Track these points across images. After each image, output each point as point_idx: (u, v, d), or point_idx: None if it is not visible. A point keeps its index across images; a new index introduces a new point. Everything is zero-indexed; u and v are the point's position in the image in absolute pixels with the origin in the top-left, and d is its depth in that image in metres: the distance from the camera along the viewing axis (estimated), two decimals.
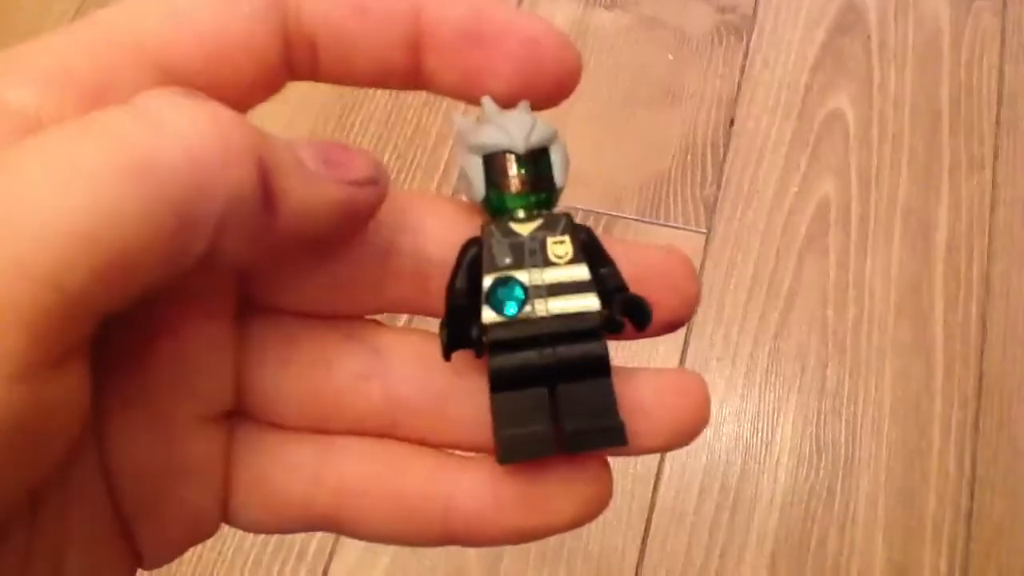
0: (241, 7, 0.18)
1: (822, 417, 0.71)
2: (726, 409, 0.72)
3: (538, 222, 0.20)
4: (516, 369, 0.19)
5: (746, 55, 0.85)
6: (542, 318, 0.19)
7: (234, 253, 0.16)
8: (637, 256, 0.20)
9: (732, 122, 0.82)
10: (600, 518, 0.20)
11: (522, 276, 0.19)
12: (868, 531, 0.67)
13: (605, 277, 0.20)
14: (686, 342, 0.74)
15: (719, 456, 0.70)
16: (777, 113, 0.83)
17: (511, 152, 0.20)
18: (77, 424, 0.16)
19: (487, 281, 0.19)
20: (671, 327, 0.21)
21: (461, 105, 0.20)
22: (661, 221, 0.78)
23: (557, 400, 0.19)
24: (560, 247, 0.19)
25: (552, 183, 0.20)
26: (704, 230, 0.78)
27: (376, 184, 0.18)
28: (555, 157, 0.20)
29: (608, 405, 0.19)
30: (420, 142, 0.83)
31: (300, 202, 0.17)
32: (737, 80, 0.84)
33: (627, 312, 0.19)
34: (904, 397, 0.72)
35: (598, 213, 0.79)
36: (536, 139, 0.20)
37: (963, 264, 0.76)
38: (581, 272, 0.19)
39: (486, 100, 0.20)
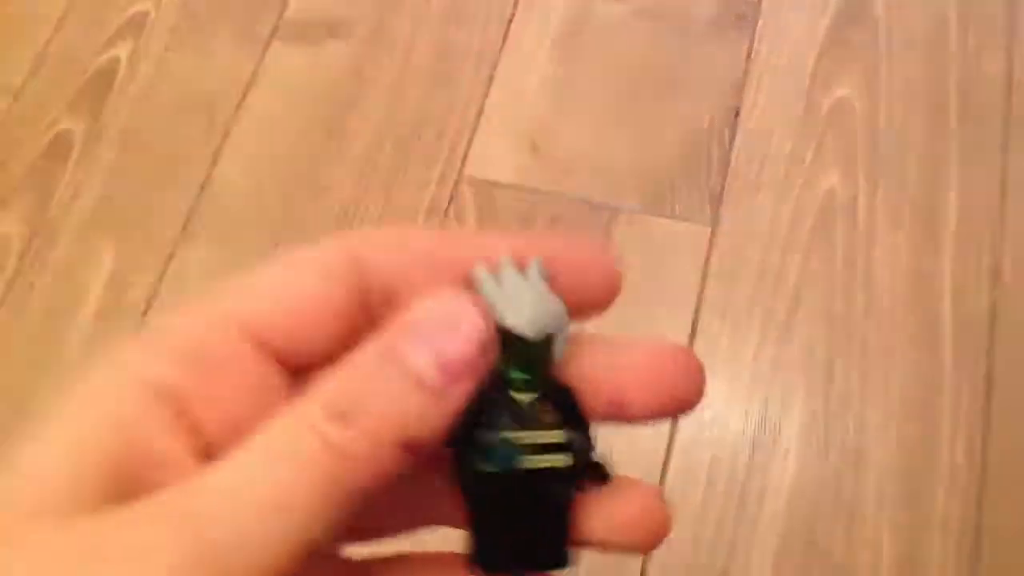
0: (316, 272, 0.20)
1: (830, 410, 0.71)
2: (733, 404, 0.71)
3: (535, 394, 0.22)
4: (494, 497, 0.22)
5: (752, 43, 0.84)
6: (525, 470, 0.22)
7: None
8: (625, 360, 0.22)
9: (738, 112, 0.81)
10: None
11: (514, 437, 0.22)
12: (875, 525, 0.67)
13: (578, 440, 0.23)
14: (693, 334, 0.73)
15: (726, 450, 0.69)
16: (783, 102, 0.82)
17: (522, 337, 0.21)
18: None
19: (483, 436, 0.22)
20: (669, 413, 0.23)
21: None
22: (666, 214, 0.77)
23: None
24: (549, 416, 0.22)
25: (551, 360, 0.22)
26: (709, 222, 0.77)
27: (485, 352, 0.20)
28: (559, 340, 0.22)
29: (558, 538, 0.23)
30: (423, 132, 0.82)
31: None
32: (743, 68, 0.83)
33: (590, 474, 0.23)
34: (913, 390, 0.71)
35: (601, 206, 0.78)
36: (546, 327, 0.22)
37: (972, 254, 0.75)
38: (560, 437, 0.22)
39: (504, 259, 0.21)
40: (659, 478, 0.68)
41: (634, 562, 0.66)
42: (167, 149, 0.84)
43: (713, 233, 0.76)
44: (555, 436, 0.22)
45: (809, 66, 0.83)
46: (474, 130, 0.82)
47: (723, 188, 0.78)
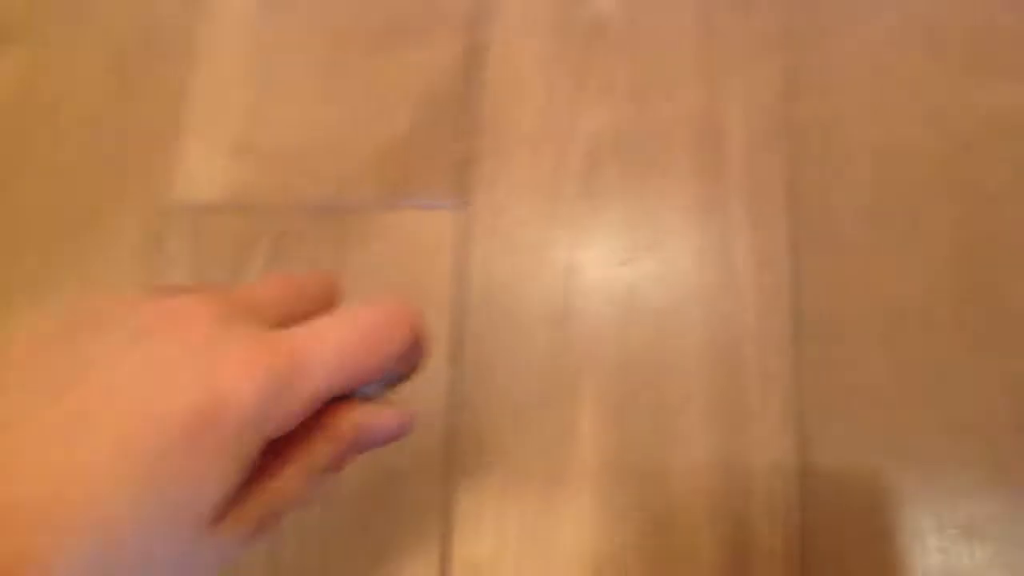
0: None
1: (626, 400, 0.58)
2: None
3: None
4: None
5: None
6: None
7: None
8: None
9: (481, 50, 0.66)
10: None
11: None
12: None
13: None
14: (462, 340, 0.60)
15: None
16: (532, 31, 0.66)
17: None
18: None
19: None
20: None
21: None
22: (406, 203, 0.63)
23: None
24: None
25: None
26: (461, 202, 0.63)
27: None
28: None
29: None
30: (113, 162, 0.68)
31: None
32: None
33: None
34: (715, 343, 0.58)
35: (330, 210, 0.64)
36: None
37: (763, 177, 0.61)
38: None
39: None
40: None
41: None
42: None
43: (468, 214, 0.62)
44: None
45: None
46: (172, 147, 0.67)
47: (474, 154, 0.64)
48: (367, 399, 0.30)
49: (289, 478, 0.27)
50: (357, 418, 0.29)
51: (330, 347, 0.27)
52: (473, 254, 0.62)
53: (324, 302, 0.31)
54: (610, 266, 0.61)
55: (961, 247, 0.59)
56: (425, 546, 0.56)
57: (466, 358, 0.59)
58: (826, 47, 0.64)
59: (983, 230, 0.59)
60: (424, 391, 0.58)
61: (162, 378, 0.23)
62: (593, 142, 0.63)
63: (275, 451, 0.27)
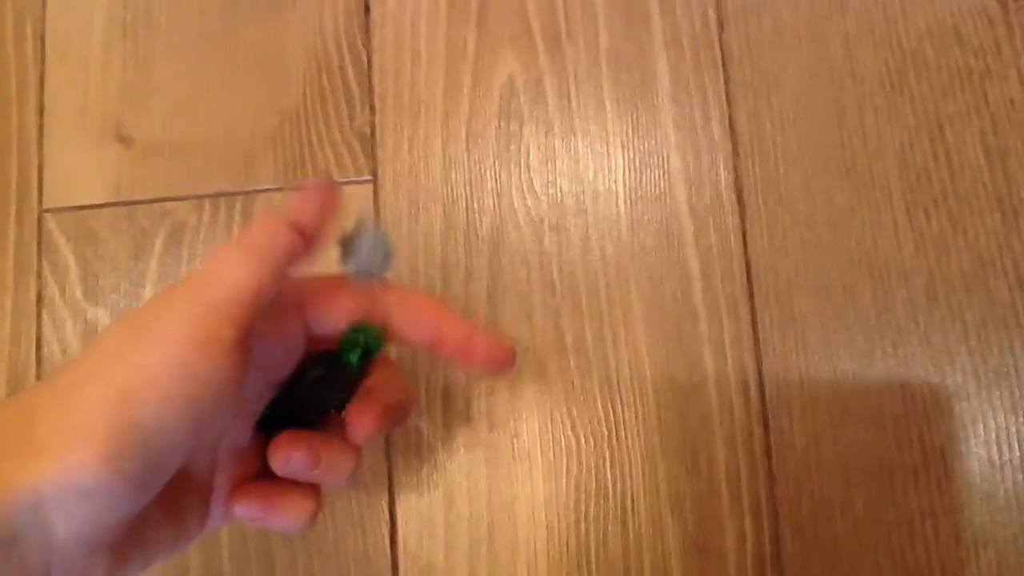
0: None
1: (576, 395, 0.57)
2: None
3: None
4: None
5: None
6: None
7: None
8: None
9: (367, 8, 0.61)
10: None
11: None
12: (652, 514, 0.54)
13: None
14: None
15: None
16: None
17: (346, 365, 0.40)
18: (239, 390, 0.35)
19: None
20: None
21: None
22: (310, 179, 0.59)
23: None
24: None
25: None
26: (368, 175, 0.59)
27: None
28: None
29: None
30: None
31: None
32: None
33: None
34: (661, 317, 0.57)
35: (228, 194, 0.59)
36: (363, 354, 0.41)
37: (698, 118, 0.59)
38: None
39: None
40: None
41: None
42: None
43: (376, 188, 0.59)
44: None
45: None
46: (39, 138, 0.61)
47: (374, 124, 0.60)
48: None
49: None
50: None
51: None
52: (385, 221, 0.58)
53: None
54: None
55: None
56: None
57: None
58: None
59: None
60: None
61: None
62: (508, 93, 0.59)
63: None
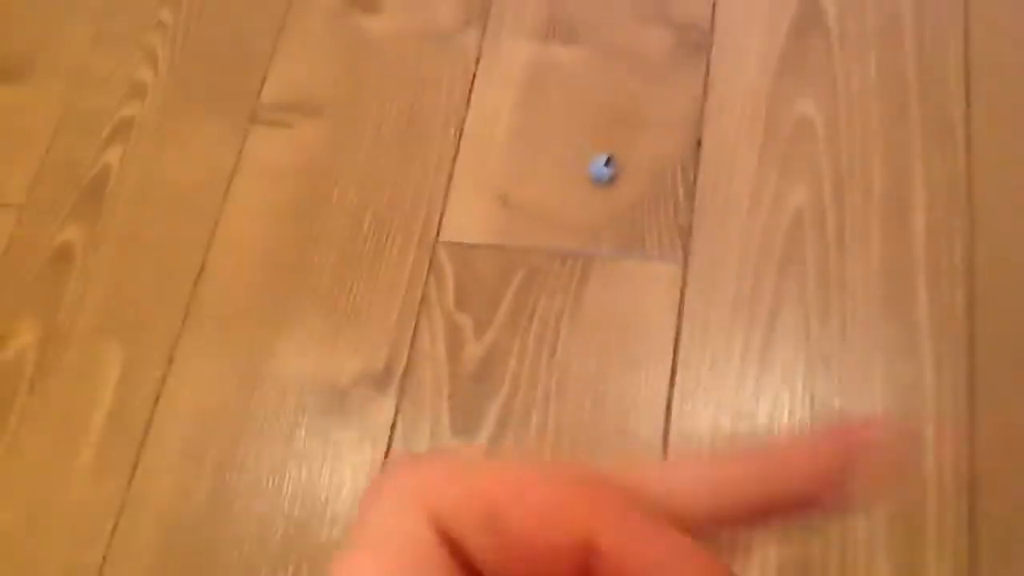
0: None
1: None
2: (717, 440, 0.72)
3: None
4: None
5: (707, 71, 0.86)
6: None
7: None
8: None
9: (700, 143, 0.83)
10: None
11: None
12: (868, 548, 0.68)
13: None
14: (673, 371, 0.75)
15: None
16: (744, 126, 0.83)
17: None
18: None
19: None
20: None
21: None
22: (638, 255, 0.79)
23: None
24: None
25: None
26: (681, 259, 0.79)
27: None
28: None
29: None
30: (398, 204, 0.85)
31: None
32: (701, 98, 0.85)
33: None
34: (896, 401, 0.72)
35: (575, 254, 0.80)
36: None
37: (944, 249, 0.76)
38: None
39: None
40: None
41: None
42: (162, 245, 0.88)
43: (685, 268, 0.78)
44: None
45: (767, 86, 0.84)
46: (446, 194, 0.84)
47: (691, 222, 0.80)
48: None
49: None
50: None
51: None
52: (687, 298, 0.77)
53: None
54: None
55: None
56: None
57: None
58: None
59: None
60: None
61: None
62: (795, 219, 0.79)
63: None
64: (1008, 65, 0.82)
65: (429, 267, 0.82)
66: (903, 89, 0.82)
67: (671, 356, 0.75)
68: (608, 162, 0.81)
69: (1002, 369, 0.72)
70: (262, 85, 0.93)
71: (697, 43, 0.87)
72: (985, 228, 0.76)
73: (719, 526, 0.21)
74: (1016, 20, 0.84)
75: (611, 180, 0.79)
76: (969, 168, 0.78)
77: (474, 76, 0.89)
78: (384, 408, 0.77)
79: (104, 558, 0.75)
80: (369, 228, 0.84)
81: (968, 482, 0.68)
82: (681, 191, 0.81)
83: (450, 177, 0.85)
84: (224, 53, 0.96)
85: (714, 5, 0.88)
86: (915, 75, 0.83)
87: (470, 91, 0.89)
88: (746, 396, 0.74)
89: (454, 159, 0.86)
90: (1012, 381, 0.72)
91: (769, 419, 0.73)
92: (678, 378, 0.75)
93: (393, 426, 0.77)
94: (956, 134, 0.80)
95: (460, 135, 0.87)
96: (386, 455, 0.76)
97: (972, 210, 0.77)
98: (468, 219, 0.83)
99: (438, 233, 0.83)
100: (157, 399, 0.81)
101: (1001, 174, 0.78)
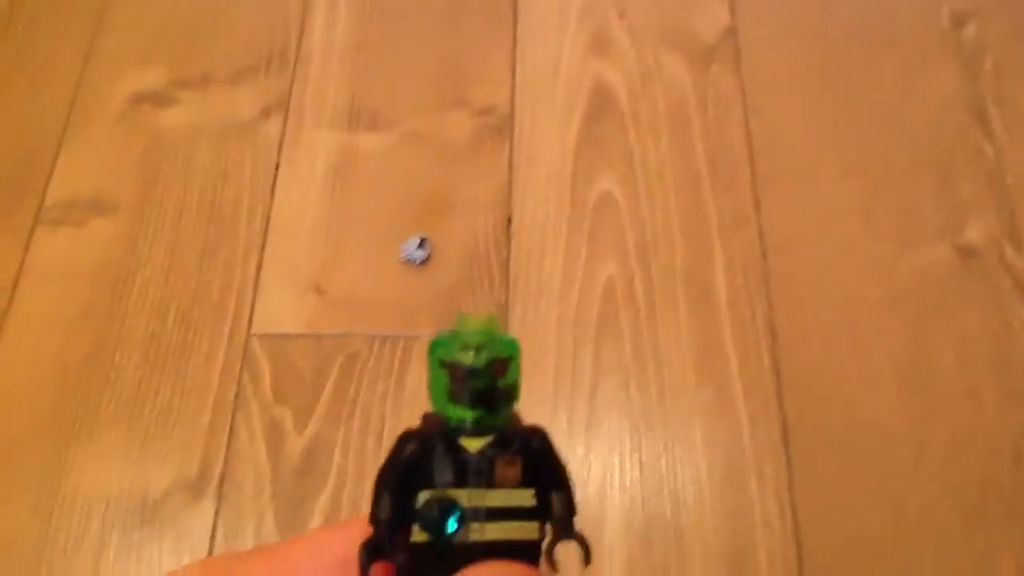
0: None
1: (646, 495, 0.73)
2: None
3: (489, 439, 0.18)
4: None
5: (511, 152, 0.88)
6: (475, 543, 0.17)
7: None
8: None
9: (510, 221, 0.84)
10: None
11: (462, 497, 0.18)
12: None
13: (554, 504, 0.18)
14: None
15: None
16: (551, 203, 0.85)
17: (464, 365, 0.19)
18: None
19: (422, 497, 0.18)
20: None
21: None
22: None
23: None
24: (510, 469, 0.18)
25: (507, 401, 0.19)
26: None
27: None
28: (512, 368, 0.19)
29: None
30: (205, 298, 0.81)
31: None
32: (507, 178, 0.86)
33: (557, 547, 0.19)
34: (718, 456, 0.74)
35: (392, 337, 0.78)
36: (488, 355, 0.19)
37: (747, 316, 0.79)
38: (526, 497, 0.18)
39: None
40: None
41: None
42: None
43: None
44: (518, 497, 0.18)
45: (568, 164, 0.87)
46: (256, 285, 0.81)
47: (507, 298, 0.80)
48: None
49: None
50: None
51: None
52: None
53: None
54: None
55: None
56: None
57: None
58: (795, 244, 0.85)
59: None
60: None
61: None
62: (608, 289, 0.81)
63: None
64: (783, 147, 0.89)
65: (242, 361, 0.78)
66: (694, 168, 0.87)
67: None
68: (422, 243, 0.81)
69: (809, 419, 0.76)
70: (47, 184, 0.87)
71: (498, 127, 0.89)
72: (781, 295, 0.81)
73: None
74: (786, 106, 0.92)
75: (426, 261, 0.78)
76: (762, 243, 0.83)
77: (277, 165, 0.88)
78: (202, 514, 0.72)
79: None
80: (174, 325, 0.80)
81: (792, 528, 0.71)
82: (496, 269, 0.82)
83: (259, 268, 0.82)
84: (2, 154, 0.90)
85: (513, 90, 0.91)
86: (704, 152, 0.88)
87: (274, 180, 0.87)
88: (576, 465, 0.74)
89: (262, 249, 0.83)
90: (819, 430, 0.75)
91: (601, 486, 0.73)
92: None
93: (213, 533, 0.72)
94: (746, 204, 0.85)
95: (267, 225, 0.84)
96: None
97: (768, 277, 0.82)
98: (281, 309, 0.81)
99: (250, 326, 0.80)
100: None
101: (793, 246, 0.84)
